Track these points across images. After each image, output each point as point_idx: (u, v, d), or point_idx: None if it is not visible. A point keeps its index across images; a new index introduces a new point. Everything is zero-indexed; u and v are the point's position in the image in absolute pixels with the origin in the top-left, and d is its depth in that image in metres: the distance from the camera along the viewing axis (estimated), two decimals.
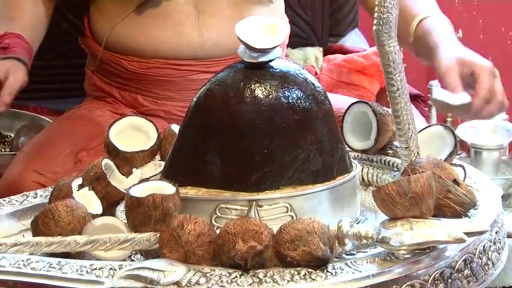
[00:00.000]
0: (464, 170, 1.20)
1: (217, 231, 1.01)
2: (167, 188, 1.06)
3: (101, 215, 1.11)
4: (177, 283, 0.95)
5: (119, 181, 1.19)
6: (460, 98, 1.40)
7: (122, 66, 1.68)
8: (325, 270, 0.97)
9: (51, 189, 1.18)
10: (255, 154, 1.08)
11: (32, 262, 0.98)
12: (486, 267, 1.08)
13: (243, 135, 1.09)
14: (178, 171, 1.13)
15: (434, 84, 1.39)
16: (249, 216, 1.06)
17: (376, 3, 1.09)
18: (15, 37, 1.59)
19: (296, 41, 2.26)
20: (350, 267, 0.99)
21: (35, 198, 1.23)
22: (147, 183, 1.10)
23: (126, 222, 1.07)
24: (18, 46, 1.58)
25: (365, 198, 1.24)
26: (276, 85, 1.10)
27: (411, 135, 1.17)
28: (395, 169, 1.29)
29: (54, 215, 1.05)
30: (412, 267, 0.99)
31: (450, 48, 1.51)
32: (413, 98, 2.23)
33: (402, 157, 1.19)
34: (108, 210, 1.15)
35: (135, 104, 1.70)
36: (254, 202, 1.08)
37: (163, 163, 1.21)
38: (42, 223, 1.05)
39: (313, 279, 0.96)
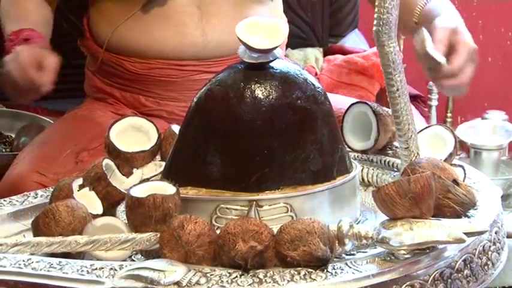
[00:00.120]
0: (464, 170, 1.21)
1: (218, 232, 1.01)
2: (167, 188, 1.06)
3: (102, 215, 1.11)
4: (177, 283, 0.95)
5: (119, 181, 1.19)
6: (438, 54, 1.39)
7: (124, 67, 1.67)
8: (325, 270, 0.97)
9: (52, 190, 1.18)
10: (255, 154, 1.09)
11: (32, 262, 0.98)
12: (486, 267, 1.08)
13: (243, 135, 1.09)
14: (179, 172, 1.13)
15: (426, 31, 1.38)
16: (249, 216, 1.07)
17: (376, 4, 1.09)
18: (31, 31, 1.59)
19: (296, 41, 2.27)
20: (350, 267, 0.99)
21: (35, 198, 1.23)
22: (148, 183, 1.10)
23: (126, 222, 1.07)
24: (38, 37, 1.59)
25: (365, 198, 1.24)
26: (276, 85, 1.10)
27: (411, 136, 1.17)
28: (395, 169, 1.29)
29: (54, 215, 1.05)
30: (412, 267, 1.00)
31: (451, 17, 1.51)
32: (413, 99, 2.23)
33: (402, 157, 1.19)
34: (109, 210, 1.15)
35: (137, 104, 1.69)
36: (254, 202, 1.08)
37: (163, 163, 1.21)
38: (43, 223, 1.05)
39: (313, 279, 0.96)
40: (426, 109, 2.48)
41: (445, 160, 1.20)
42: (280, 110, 1.09)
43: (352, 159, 1.19)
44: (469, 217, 1.10)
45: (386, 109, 1.30)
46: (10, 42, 1.58)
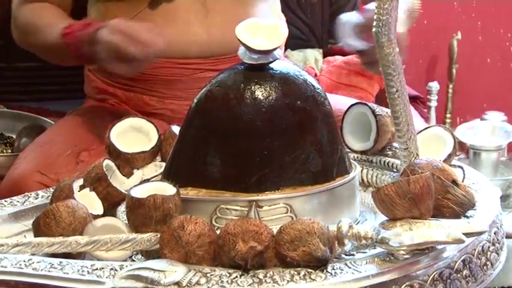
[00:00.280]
0: (463, 171, 1.21)
1: (218, 232, 1.01)
2: (168, 189, 1.06)
3: (102, 215, 1.12)
4: (177, 283, 0.95)
5: (119, 182, 1.19)
6: (357, 42, 1.39)
7: None
8: (325, 271, 0.97)
9: (53, 190, 1.18)
10: (255, 155, 1.09)
11: (33, 262, 0.98)
12: (485, 268, 1.08)
13: (243, 136, 1.09)
14: (179, 172, 1.13)
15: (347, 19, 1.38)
16: (249, 216, 1.07)
17: (376, 5, 1.10)
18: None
19: (296, 42, 2.27)
20: (350, 267, 0.99)
21: (36, 199, 1.23)
22: (148, 184, 1.10)
23: (127, 222, 1.08)
24: (95, 21, 1.56)
25: (364, 199, 1.24)
26: (276, 86, 1.11)
27: (410, 137, 1.17)
28: (395, 170, 1.29)
29: (55, 216, 1.05)
30: (411, 268, 1.00)
31: None
32: (413, 100, 2.24)
33: (401, 158, 1.19)
34: (109, 210, 1.15)
35: (141, 104, 1.69)
36: (254, 203, 1.08)
37: (164, 164, 1.21)
38: (44, 224, 1.05)
39: (313, 280, 0.96)
40: (425, 110, 2.49)
41: (444, 161, 1.20)
42: (280, 111, 1.10)
43: (351, 160, 1.19)
44: (468, 217, 1.10)
45: (386, 109, 1.30)
46: (70, 34, 1.54)
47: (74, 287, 0.96)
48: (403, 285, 0.99)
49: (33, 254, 1.01)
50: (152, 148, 1.26)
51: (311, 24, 2.34)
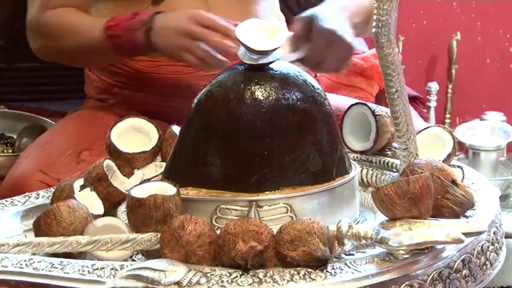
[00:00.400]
0: (463, 171, 1.21)
1: (218, 232, 1.02)
2: (168, 189, 1.06)
3: (103, 215, 1.12)
4: (178, 283, 0.96)
5: (120, 182, 1.19)
6: (291, 56, 1.40)
7: (129, 66, 1.67)
8: (325, 270, 0.98)
9: (53, 190, 1.19)
10: (255, 155, 1.09)
11: (34, 262, 0.99)
12: (484, 267, 1.08)
13: (243, 136, 1.09)
14: (179, 172, 1.13)
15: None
16: (249, 216, 1.07)
17: (375, 6, 1.10)
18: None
19: None
20: (349, 267, 0.99)
21: (37, 198, 1.23)
22: (148, 184, 1.11)
23: (127, 222, 1.08)
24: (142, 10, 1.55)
25: (364, 198, 1.24)
26: (276, 87, 1.11)
27: (410, 137, 1.17)
28: (394, 170, 1.29)
29: (56, 216, 1.06)
30: (411, 268, 1.00)
31: (325, 6, 1.52)
32: (412, 100, 2.24)
33: (401, 158, 1.19)
34: (110, 210, 1.15)
35: (142, 102, 1.69)
36: (254, 203, 1.08)
37: (164, 164, 1.21)
38: (45, 223, 1.06)
39: (313, 279, 0.97)
40: (425, 110, 2.49)
41: (444, 161, 1.20)
42: (280, 111, 1.10)
43: (351, 160, 1.19)
44: (467, 217, 1.11)
45: (386, 109, 1.30)
46: (116, 25, 1.52)
47: (75, 287, 0.96)
48: (403, 285, 0.99)
49: (34, 254, 1.01)
50: (153, 148, 1.26)
51: None
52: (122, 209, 1.17)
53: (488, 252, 1.09)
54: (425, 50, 2.86)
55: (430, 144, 1.25)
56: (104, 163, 1.17)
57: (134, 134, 1.26)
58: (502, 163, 2.26)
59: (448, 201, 1.09)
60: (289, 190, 1.10)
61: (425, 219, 1.05)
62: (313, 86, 1.14)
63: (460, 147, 2.24)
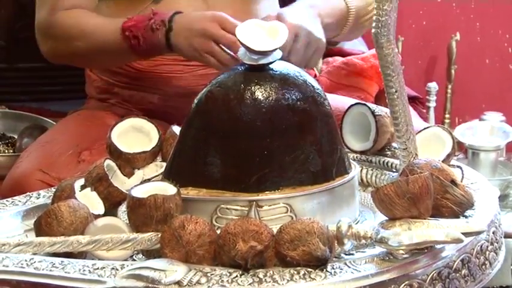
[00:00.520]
0: (462, 171, 1.21)
1: (218, 232, 1.02)
2: (168, 189, 1.06)
3: (103, 215, 1.12)
4: (178, 283, 0.96)
5: (120, 182, 1.20)
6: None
7: (130, 65, 1.67)
8: (325, 270, 0.98)
9: (54, 190, 1.19)
10: (255, 155, 1.09)
11: (35, 262, 0.99)
12: (483, 267, 1.08)
13: (243, 136, 1.10)
14: (180, 172, 1.13)
15: None
16: (249, 216, 1.07)
17: (375, 6, 1.10)
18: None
19: None
20: (349, 267, 1.00)
21: (38, 198, 1.23)
22: (149, 184, 1.11)
23: (127, 222, 1.08)
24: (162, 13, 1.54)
25: (364, 198, 1.25)
26: (276, 87, 1.11)
27: (409, 137, 1.17)
28: (394, 170, 1.29)
29: (57, 216, 1.06)
30: (410, 267, 1.00)
31: (294, 4, 1.53)
32: (412, 100, 2.24)
33: (400, 158, 1.20)
34: (110, 210, 1.16)
35: (143, 102, 1.69)
36: (254, 202, 1.09)
37: (164, 164, 1.21)
38: (45, 223, 1.06)
39: (313, 279, 0.97)
40: (424, 110, 2.49)
41: (443, 161, 1.20)
42: (280, 111, 1.10)
43: (351, 160, 1.20)
44: (466, 217, 1.11)
45: (385, 109, 1.30)
46: (133, 26, 1.51)
47: (75, 287, 0.97)
48: (402, 285, 0.99)
49: (34, 254, 1.02)
50: (153, 148, 1.26)
51: None
52: (123, 208, 1.17)
53: (487, 252, 1.10)
54: (425, 51, 2.86)
55: (430, 144, 1.25)
56: (104, 163, 1.17)
57: (135, 134, 1.27)
58: (501, 163, 2.26)
59: (447, 201, 1.09)
60: (289, 190, 1.10)
61: (424, 219, 1.05)
62: (313, 86, 1.14)
63: (459, 147, 2.24)
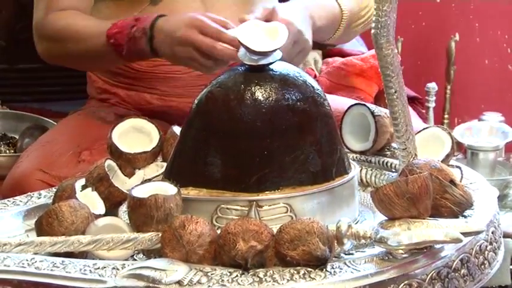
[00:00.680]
0: (461, 171, 1.21)
1: (218, 231, 1.02)
2: (169, 189, 1.07)
3: (104, 215, 1.12)
4: (178, 282, 0.96)
5: (121, 182, 1.20)
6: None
7: (129, 66, 1.67)
8: (324, 270, 0.98)
9: (55, 190, 1.19)
10: (255, 155, 1.10)
11: (36, 261, 0.99)
12: (482, 267, 1.09)
13: (243, 136, 1.10)
14: (180, 172, 1.14)
15: None
16: (249, 216, 1.08)
17: (375, 7, 1.10)
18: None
19: None
20: (349, 266, 1.00)
21: (39, 198, 1.24)
22: (149, 184, 1.11)
23: (128, 222, 1.08)
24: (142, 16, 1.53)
25: (363, 198, 1.25)
26: (276, 87, 1.11)
27: (409, 137, 1.17)
28: (393, 170, 1.29)
29: (57, 215, 1.06)
30: (410, 267, 1.01)
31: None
32: (411, 100, 2.24)
33: (400, 158, 1.20)
34: (111, 210, 1.16)
35: (142, 102, 1.69)
36: (254, 202, 1.09)
37: (165, 164, 1.22)
38: (46, 223, 1.06)
39: (313, 279, 0.97)
40: (424, 111, 2.49)
41: (443, 161, 1.21)
42: (280, 112, 1.10)
43: (350, 160, 1.20)
44: (466, 217, 1.11)
45: (385, 110, 1.31)
46: (118, 33, 1.50)
47: (76, 286, 0.97)
48: (402, 284, 1.00)
49: (36, 253, 1.02)
50: (153, 148, 1.26)
51: None
52: (123, 208, 1.17)
53: (486, 252, 1.10)
54: (424, 51, 2.86)
55: (429, 144, 1.25)
56: (105, 163, 1.18)
57: (135, 134, 1.27)
58: (500, 163, 2.26)
59: (446, 201, 1.09)
60: (289, 190, 1.10)
61: (424, 219, 1.05)
62: (312, 87, 1.15)
63: (458, 147, 2.24)
